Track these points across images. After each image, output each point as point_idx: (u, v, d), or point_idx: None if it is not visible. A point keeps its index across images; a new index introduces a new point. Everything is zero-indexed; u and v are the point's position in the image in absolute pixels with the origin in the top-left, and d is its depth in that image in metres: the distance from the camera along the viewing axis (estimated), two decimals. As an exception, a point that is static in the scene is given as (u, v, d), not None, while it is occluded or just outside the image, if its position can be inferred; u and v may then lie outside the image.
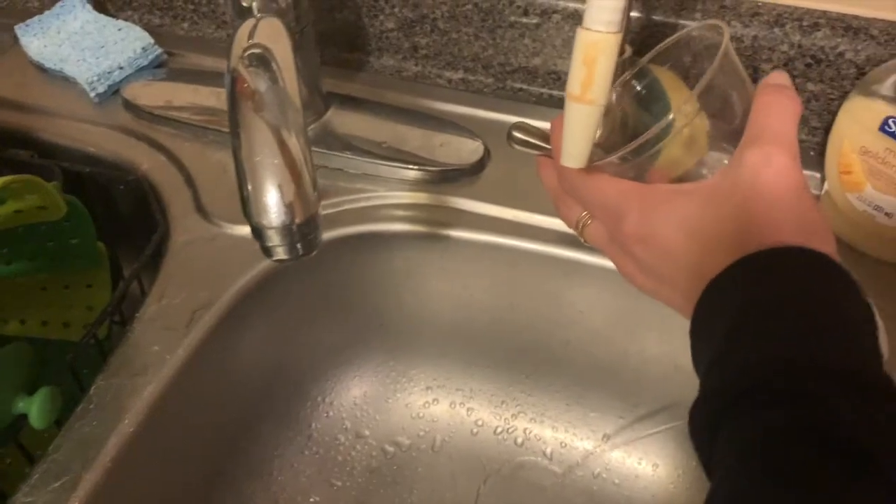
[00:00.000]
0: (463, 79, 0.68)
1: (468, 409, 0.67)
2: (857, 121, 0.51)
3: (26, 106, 0.67)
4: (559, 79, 0.65)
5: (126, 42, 0.69)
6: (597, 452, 0.64)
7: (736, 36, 0.58)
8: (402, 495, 0.62)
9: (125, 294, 0.54)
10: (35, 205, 0.52)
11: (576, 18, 0.60)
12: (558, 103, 0.66)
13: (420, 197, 0.59)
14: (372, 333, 0.66)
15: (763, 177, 0.32)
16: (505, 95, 0.67)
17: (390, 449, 0.65)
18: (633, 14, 0.59)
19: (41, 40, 0.70)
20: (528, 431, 0.66)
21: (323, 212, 0.58)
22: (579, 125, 0.36)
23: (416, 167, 0.60)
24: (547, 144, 0.41)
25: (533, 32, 0.63)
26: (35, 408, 0.47)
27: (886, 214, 0.52)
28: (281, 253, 0.38)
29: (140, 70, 0.68)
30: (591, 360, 0.63)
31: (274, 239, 0.37)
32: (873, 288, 0.52)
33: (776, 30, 0.56)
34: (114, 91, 0.67)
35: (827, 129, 0.58)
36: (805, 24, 0.56)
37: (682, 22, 0.58)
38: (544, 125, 0.43)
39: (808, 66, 0.57)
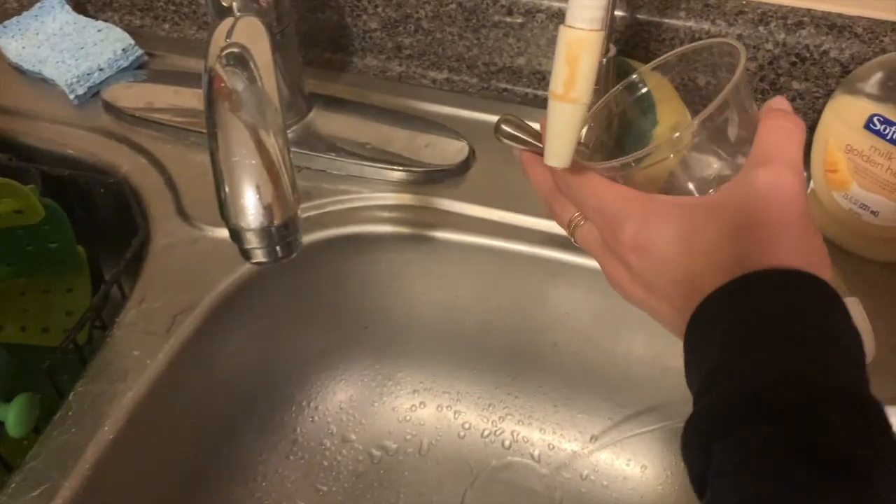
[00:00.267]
0: (447, 79, 0.67)
1: (455, 412, 0.66)
2: (842, 119, 0.51)
3: (4, 108, 0.66)
4: (544, 78, 0.64)
5: (106, 43, 0.68)
6: (585, 454, 0.64)
7: (721, 34, 0.57)
8: (389, 500, 0.62)
9: (106, 298, 0.53)
10: (12, 208, 0.51)
11: (560, 17, 0.60)
12: (543, 103, 0.65)
13: (405, 198, 0.59)
14: (357, 336, 0.65)
15: (773, 198, 0.32)
16: (489, 95, 0.67)
17: (377, 453, 0.64)
18: (618, 13, 0.59)
19: (19, 42, 0.69)
20: (515, 434, 0.65)
21: (306, 214, 0.57)
22: (563, 124, 0.35)
23: (400, 168, 0.59)
24: (535, 141, 0.41)
25: (517, 32, 0.62)
26: (12, 415, 0.47)
27: (872, 213, 0.51)
28: (259, 255, 0.37)
29: (120, 71, 0.68)
30: (579, 362, 0.62)
31: (252, 241, 0.36)
32: (859, 286, 0.52)
33: (761, 28, 0.56)
34: (94, 93, 0.67)
35: (812, 128, 0.57)
36: (790, 22, 0.56)
37: (666, 21, 0.58)
38: (532, 124, 0.43)
39: (793, 64, 0.57)
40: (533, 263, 0.57)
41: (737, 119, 0.36)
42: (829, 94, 0.56)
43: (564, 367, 0.63)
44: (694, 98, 0.42)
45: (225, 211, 0.36)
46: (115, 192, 0.60)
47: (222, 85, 0.36)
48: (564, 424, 0.65)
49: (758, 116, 0.36)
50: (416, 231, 0.58)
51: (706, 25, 0.57)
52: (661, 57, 0.41)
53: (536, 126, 0.42)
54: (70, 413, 0.46)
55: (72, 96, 0.65)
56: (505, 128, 0.41)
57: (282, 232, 0.36)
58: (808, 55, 0.56)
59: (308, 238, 0.57)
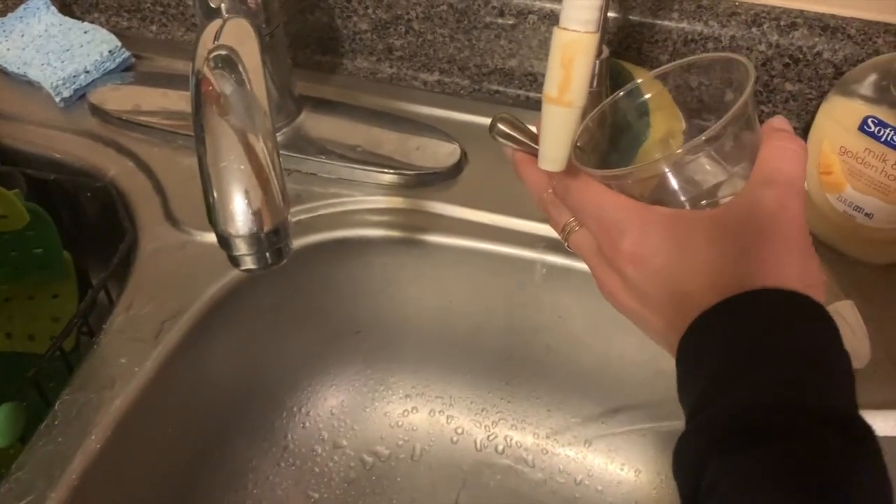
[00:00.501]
0: (439, 81, 0.67)
1: (448, 417, 0.66)
2: (836, 121, 0.51)
3: (-11, 111, 0.65)
4: (536, 80, 0.64)
5: (92, 45, 0.67)
6: (578, 458, 0.63)
7: (713, 36, 0.57)
8: (382, 506, 0.61)
9: (92, 304, 0.52)
10: (-4, 214, 0.50)
11: (552, 19, 0.59)
12: (535, 105, 0.65)
13: (396, 201, 0.58)
14: (348, 341, 0.64)
15: (777, 219, 0.32)
16: (481, 97, 0.67)
17: (369, 459, 0.63)
18: (610, 14, 0.58)
19: (3, 44, 0.68)
20: (508, 438, 0.65)
21: (297, 218, 0.57)
22: (557, 128, 0.35)
23: (391, 171, 0.59)
24: (530, 141, 0.40)
25: (509, 33, 0.62)
26: (-3, 424, 0.46)
27: (866, 215, 0.51)
28: (249, 262, 0.36)
29: (107, 74, 0.67)
30: (572, 366, 0.62)
31: (241, 248, 0.36)
32: (854, 290, 0.52)
33: (754, 29, 0.56)
34: (80, 95, 0.66)
35: (805, 130, 0.57)
36: (783, 23, 0.56)
37: (658, 22, 0.58)
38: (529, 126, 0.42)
39: (786, 65, 0.57)
40: (526, 267, 0.56)
41: (739, 135, 0.36)
42: (822, 96, 0.56)
43: (558, 370, 0.63)
44: (692, 107, 0.41)
45: (213, 217, 0.35)
46: (102, 197, 0.59)
47: (210, 88, 0.35)
48: (558, 429, 0.64)
49: (759, 134, 0.35)
50: (407, 235, 0.57)
51: (699, 27, 0.57)
52: (664, 66, 0.40)
53: (533, 127, 0.41)
54: (56, 422, 0.45)
55: (57, 99, 0.64)
56: (501, 126, 0.40)
57: (271, 238, 0.36)
58: (801, 56, 0.56)
59: (299, 242, 0.56)
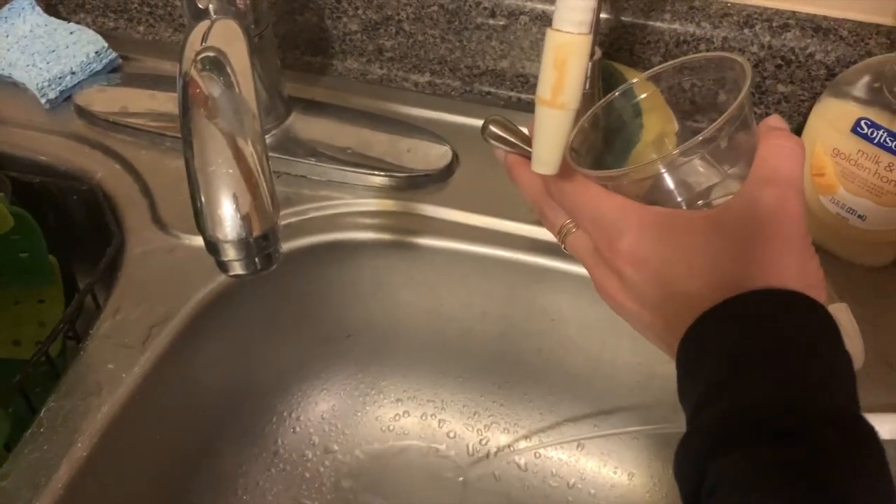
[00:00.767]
0: (430, 82, 0.66)
1: (440, 421, 0.65)
2: (829, 122, 0.51)
3: (-28, 113, 0.64)
4: (528, 82, 0.64)
5: (78, 46, 0.66)
6: (571, 462, 0.63)
7: (705, 37, 0.57)
8: (373, 511, 0.61)
9: (79, 309, 0.52)
10: (-20, 218, 0.50)
11: (544, 20, 0.59)
12: (527, 107, 0.65)
13: (387, 204, 0.58)
14: (339, 345, 0.64)
15: (777, 219, 0.32)
16: (473, 99, 0.66)
17: (360, 464, 0.63)
18: (602, 15, 0.58)
19: (-12, 44, 0.67)
20: (501, 442, 0.64)
21: (286, 221, 0.56)
22: (551, 131, 0.34)
23: (382, 173, 0.58)
24: (523, 143, 0.40)
25: (500, 34, 0.61)
26: (-19, 433, 0.45)
27: (859, 217, 0.51)
28: (237, 268, 0.36)
29: (93, 75, 0.66)
30: (565, 369, 0.61)
31: (230, 253, 0.35)
32: (847, 292, 0.52)
33: (746, 31, 0.56)
34: (66, 97, 0.65)
35: (798, 132, 0.57)
36: (775, 24, 0.55)
37: (650, 23, 0.57)
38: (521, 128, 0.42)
39: (779, 67, 0.57)
40: (518, 270, 0.56)
41: (735, 136, 0.35)
42: (814, 98, 0.56)
43: (550, 374, 0.62)
44: (684, 108, 0.41)
45: (201, 222, 0.34)
46: (89, 200, 0.58)
47: (198, 91, 0.34)
48: (551, 432, 0.64)
49: (756, 135, 0.35)
50: (398, 238, 0.57)
51: (691, 28, 0.57)
52: (659, 66, 0.40)
53: (525, 129, 0.41)
54: (42, 429, 0.45)
55: (43, 100, 0.64)
56: (493, 129, 0.40)
57: (260, 243, 0.35)
58: (793, 58, 0.56)
59: (289, 245, 0.55)
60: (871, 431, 0.27)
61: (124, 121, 0.62)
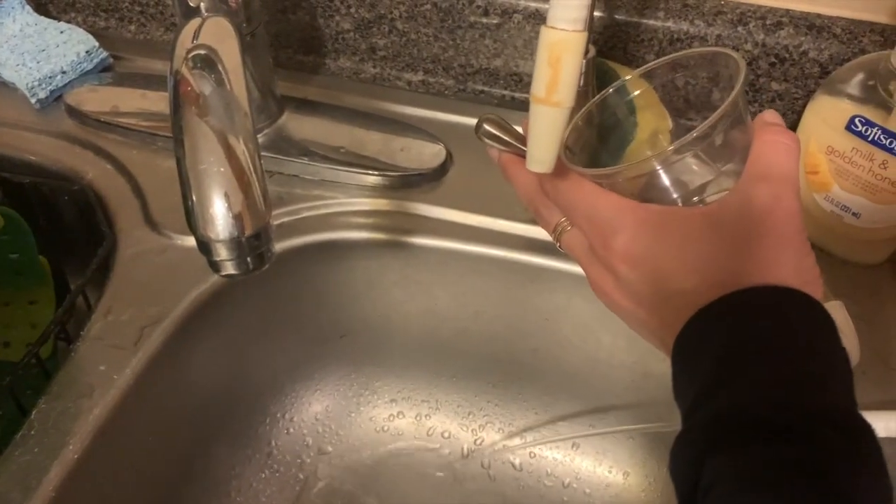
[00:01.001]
0: (423, 81, 0.66)
1: (434, 421, 0.65)
2: (823, 120, 0.51)
3: (-38, 113, 0.64)
4: (521, 80, 0.63)
5: (69, 45, 0.66)
6: (566, 461, 0.63)
7: (699, 35, 0.57)
8: (368, 512, 0.60)
9: (70, 310, 0.51)
10: (-31, 219, 0.49)
11: (537, 18, 0.59)
12: (520, 106, 0.65)
13: (381, 203, 0.57)
14: (333, 346, 0.63)
15: (773, 215, 0.31)
16: (466, 98, 0.66)
17: (354, 465, 0.62)
18: (596, 14, 0.58)
19: (-22, 44, 0.67)
20: (496, 442, 0.64)
21: (279, 220, 0.56)
22: (546, 129, 0.34)
23: (376, 172, 0.58)
24: (517, 142, 0.39)
25: (494, 33, 0.61)
26: (-30, 435, 0.45)
27: (854, 214, 0.51)
28: (229, 268, 0.35)
29: (84, 74, 0.65)
30: (559, 368, 0.61)
31: (221, 253, 0.35)
32: (842, 290, 0.52)
33: (740, 28, 0.56)
34: (56, 97, 0.64)
35: (792, 130, 0.57)
36: (768, 22, 0.55)
37: (644, 21, 0.57)
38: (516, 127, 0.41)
39: (772, 65, 0.57)
40: (512, 269, 0.56)
41: (730, 132, 0.35)
42: (808, 95, 0.56)
43: (545, 373, 0.62)
44: (678, 106, 0.41)
45: (192, 221, 0.34)
46: (80, 200, 0.58)
47: (189, 89, 0.34)
48: (546, 432, 0.64)
49: (751, 128, 0.35)
50: (392, 237, 0.56)
51: (685, 26, 0.57)
52: (652, 63, 0.40)
53: (519, 128, 0.40)
54: (32, 432, 0.44)
55: (33, 100, 0.63)
56: (487, 127, 0.40)
57: (252, 243, 0.35)
58: (787, 56, 0.56)
59: (281, 245, 0.55)
60: (869, 429, 0.27)
61: (115, 120, 0.62)
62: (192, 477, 0.57)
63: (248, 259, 0.35)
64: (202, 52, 0.35)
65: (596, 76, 0.54)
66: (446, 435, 0.64)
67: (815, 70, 0.56)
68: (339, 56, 0.67)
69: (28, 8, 0.68)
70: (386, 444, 0.64)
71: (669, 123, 0.53)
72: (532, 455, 0.63)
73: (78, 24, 0.69)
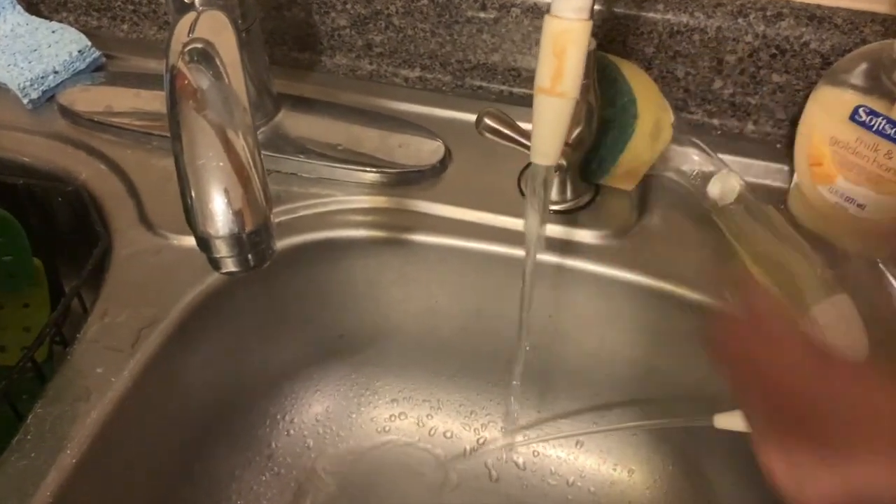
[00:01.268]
0: (420, 77, 0.65)
1: (436, 421, 0.64)
2: (826, 111, 0.50)
3: (-47, 115, 0.63)
4: (519, 75, 0.63)
5: (61, 45, 0.65)
6: (570, 459, 0.62)
7: (699, 27, 0.56)
8: (370, 514, 0.60)
9: (65, 313, 0.50)
10: (-39, 220, 0.48)
11: (535, 12, 0.58)
12: (519, 101, 0.64)
13: (379, 201, 0.57)
14: (332, 346, 0.63)
15: None
16: (464, 93, 0.65)
17: (356, 466, 0.62)
18: (595, 7, 0.57)
19: (-32, 44, 0.66)
20: (498, 441, 0.63)
21: (277, 219, 0.55)
22: (551, 120, 0.33)
23: (374, 170, 0.57)
24: (518, 136, 0.39)
25: (491, 28, 0.60)
26: (-35, 441, 0.44)
27: (858, 206, 0.50)
28: (230, 265, 0.35)
29: (77, 74, 0.65)
30: (562, 365, 0.61)
31: (222, 250, 0.34)
32: (847, 282, 0.51)
33: (740, 20, 0.55)
34: (49, 97, 0.64)
35: (793, 121, 0.57)
36: (769, 13, 0.55)
37: (643, 14, 0.57)
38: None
39: (773, 56, 0.56)
40: (513, 265, 0.55)
41: None
42: (809, 87, 0.55)
43: (547, 370, 0.61)
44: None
45: (192, 218, 0.33)
46: (74, 201, 0.57)
47: (186, 83, 0.33)
48: (549, 430, 0.63)
49: None
50: (391, 235, 0.56)
51: (685, 18, 0.56)
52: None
53: (522, 123, 0.40)
54: (29, 436, 0.43)
55: (25, 101, 0.62)
56: (487, 121, 0.39)
57: (253, 239, 0.34)
58: (788, 47, 0.55)
59: (279, 244, 0.53)
60: None
61: (109, 120, 0.61)
62: (192, 480, 0.56)
63: (249, 256, 0.35)
64: (199, 45, 0.34)
65: (596, 69, 0.54)
66: (448, 435, 0.64)
67: (817, 61, 0.55)
68: (335, 53, 0.66)
69: (19, 8, 0.68)
70: (387, 444, 0.63)
71: (671, 115, 0.53)
72: (535, 454, 0.62)
73: (70, 24, 0.69)
